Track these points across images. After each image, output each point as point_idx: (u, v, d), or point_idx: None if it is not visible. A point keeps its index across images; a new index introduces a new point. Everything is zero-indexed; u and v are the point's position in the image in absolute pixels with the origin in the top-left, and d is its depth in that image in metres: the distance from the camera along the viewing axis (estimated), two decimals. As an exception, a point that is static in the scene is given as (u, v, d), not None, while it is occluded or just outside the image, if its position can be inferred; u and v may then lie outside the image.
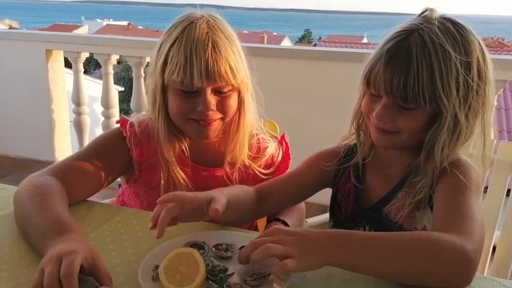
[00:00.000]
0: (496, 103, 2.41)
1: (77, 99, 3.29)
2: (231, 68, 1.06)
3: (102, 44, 3.20)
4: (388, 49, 0.92)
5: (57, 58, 3.38)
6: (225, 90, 1.09)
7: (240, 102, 1.14)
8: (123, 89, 10.93)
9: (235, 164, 1.18)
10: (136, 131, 1.16)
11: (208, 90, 1.06)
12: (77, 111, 3.32)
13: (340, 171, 1.12)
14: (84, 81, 3.39)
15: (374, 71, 0.94)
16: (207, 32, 1.05)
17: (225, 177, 1.17)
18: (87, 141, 3.41)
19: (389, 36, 0.95)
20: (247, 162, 1.19)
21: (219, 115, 1.10)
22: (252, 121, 1.19)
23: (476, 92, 0.93)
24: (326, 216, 1.25)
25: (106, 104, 3.20)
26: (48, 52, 3.32)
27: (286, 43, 29.62)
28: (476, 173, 0.97)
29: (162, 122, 1.12)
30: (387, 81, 0.91)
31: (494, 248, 1.52)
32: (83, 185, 1.07)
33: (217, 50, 1.05)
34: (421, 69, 0.88)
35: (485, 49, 0.95)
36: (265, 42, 24.32)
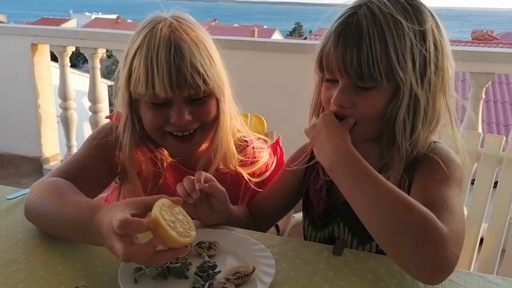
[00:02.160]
0: (484, 96, 2.42)
1: (63, 94, 3.25)
2: (198, 73, 0.97)
3: (89, 37, 3.16)
4: (337, 26, 0.87)
5: (43, 52, 3.34)
6: (199, 97, 1.00)
7: (217, 109, 1.06)
8: (112, 83, 10.83)
9: (224, 171, 1.12)
10: None
11: (179, 100, 0.98)
12: (64, 106, 3.28)
13: (310, 168, 1.09)
14: (72, 75, 3.35)
15: (325, 52, 0.88)
16: (169, 36, 0.97)
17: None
18: (74, 136, 3.38)
19: (337, 15, 0.90)
20: (239, 170, 1.13)
21: (197, 124, 1.03)
22: (233, 129, 1.13)
23: (435, 66, 0.87)
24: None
25: (93, 98, 3.16)
26: (34, 46, 3.27)
27: (277, 36, 29.54)
28: (459, 164, 0.92)
29: (128, 138, 1.04)
30: (339, 59, 0.85)
31: (482, 240, 1.52)
32: (87, 186, 0.99)
33: (179, 55, 0.95)
34: (374, 41, 0.83)
35: (439, 20, 0.90)
36: (256, 35, 24.20)
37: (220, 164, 1.12)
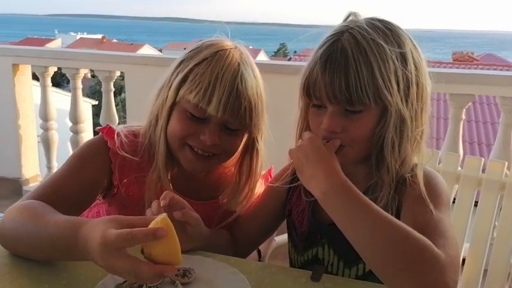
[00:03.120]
0: (464, 117, 2.45)
1: (44, 115, 3.20)
2: (250, 108, 1.00)
3: (70, 58, 3.14)
4: (322, 53, 0.89)
5: (25, 73, 3.29)
6: (235, 128, 1.02)
7: (253, 148, 1.09)
8: (96, 102, 10.77)
9: (231, 211, 1.11)
10: (123, 142, 1.05)
11: (218, 122, 0.99)
12: (45, 126, 3.23)
13: (292, 189, 1.08)
14: (55, 95, 3.31)
15: (312, 79, 0.90)
16: (239, 64, 1.00)
17: (203, 212, 1.02)
18: (55, 157, 3.32)
19: (320, 43, 0.92)
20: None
21: (219, 150, 1.03)
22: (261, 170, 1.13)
23: (417, 85, 0.90)
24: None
25: (74, 119, 3.12)
26: (15, 66, 3.23)
27: (262, 57, 29.80)
28: (445, 186, 0.94)
29: (163, 143, 1.03)
30: (328, 85, 0.87)
31: (463, 261, 1.52)
32: (67, 208, 0.94)
33: (243, 85, 0.99)
34: (360, 66, 0.85)
35: (415, 42, 0.93)
36: (242, 55, 24.26)
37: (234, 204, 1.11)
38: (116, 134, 1.06)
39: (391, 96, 0.86)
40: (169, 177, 1.07)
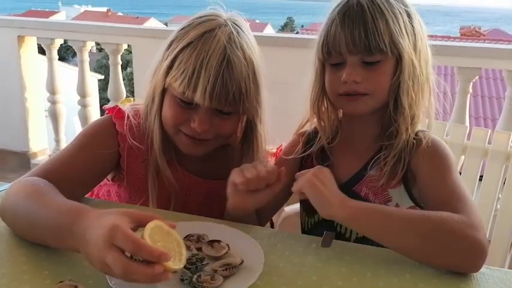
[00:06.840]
0: (471, 90, 2.45)
1: (51, 88, 3.21)
2: (240, 93, 0.97)
3: (77, 30, 3.13)
4: (339, 10, 0.96)
5: (30, 45, 3.29)
6: (227, 111, 0.99)
7: (251, 131, 1.08)
8: (103, 77, 10.74)
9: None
10: (132, 125, 1.05)
11: (209, 108, 0.97)
12: (52, 99, 3.25)
13: (304, 158, 1.10)
14: (61, 69, 3.31)
15: (331, 35, 0.95)
16: (225, 47, 0.95)
17: (211, 190, 1.07)
18: (63, 130, 3.35)
19: (334, 5, 0.98)
20: None
21: (212, 135, 1.01)
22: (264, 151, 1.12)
23: (421, 41, 0.98)
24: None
25: (82, 92, 3.13)
26: (21, 38, 3.22)
27: (269, 31, 29.42)
28: (450, 150, 1.00)
29: (158, 127, 1.03)
30: (348, 37, 0.93)
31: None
32: (73, 188, 0.95)
33: (230, 71, 0.95)
34: (375, 17, 0.93)
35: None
36: (247, 29, 23.90)
37: None
38: (125, 117, 1.06)
39: (405, 43, 0.94)
40: (173, 156, 1.07)
